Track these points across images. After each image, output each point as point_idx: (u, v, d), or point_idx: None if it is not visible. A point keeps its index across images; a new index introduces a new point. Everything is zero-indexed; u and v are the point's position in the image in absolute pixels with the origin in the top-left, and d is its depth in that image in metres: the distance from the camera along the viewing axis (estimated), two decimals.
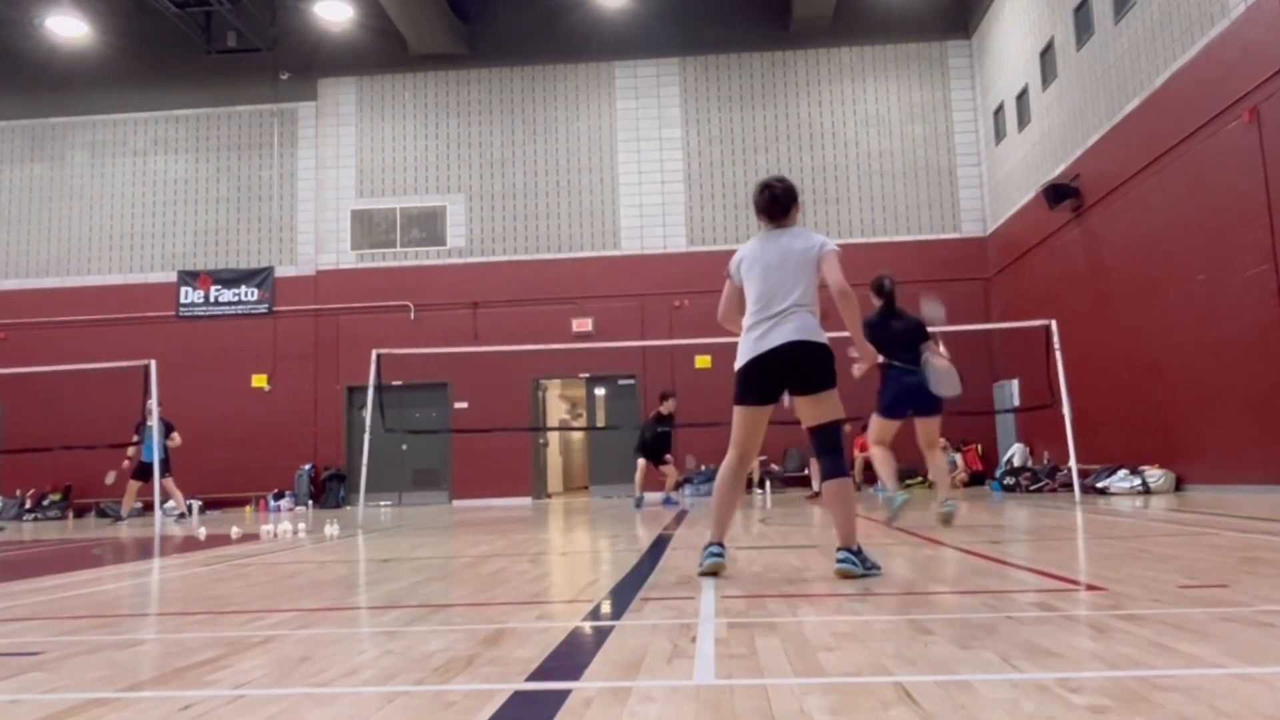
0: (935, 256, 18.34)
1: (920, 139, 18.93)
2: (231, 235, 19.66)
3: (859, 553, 4.11)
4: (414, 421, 17.88)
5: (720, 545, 4.37)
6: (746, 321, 4.34)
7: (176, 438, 13.98)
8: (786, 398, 4.30)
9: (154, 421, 12.67)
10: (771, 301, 4.24)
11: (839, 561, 4.06)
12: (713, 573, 4.30)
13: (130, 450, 13.96)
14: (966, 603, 3.43)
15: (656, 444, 13.90)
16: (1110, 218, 13.29)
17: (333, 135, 19.73)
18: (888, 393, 7.14)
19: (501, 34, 19.61)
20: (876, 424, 7.26)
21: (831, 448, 4.27)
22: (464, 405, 18.35)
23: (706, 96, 19.31)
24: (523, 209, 19.25)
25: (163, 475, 13.21)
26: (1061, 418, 10.93)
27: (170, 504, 13.79)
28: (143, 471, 13.54)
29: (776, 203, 4.38)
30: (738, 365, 4.32)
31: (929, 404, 7.05)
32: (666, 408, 14.01)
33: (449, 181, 19.44)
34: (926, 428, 7.19)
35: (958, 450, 17.08)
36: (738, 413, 4.35)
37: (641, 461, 13.85)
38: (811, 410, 4.25)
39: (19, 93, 20.01)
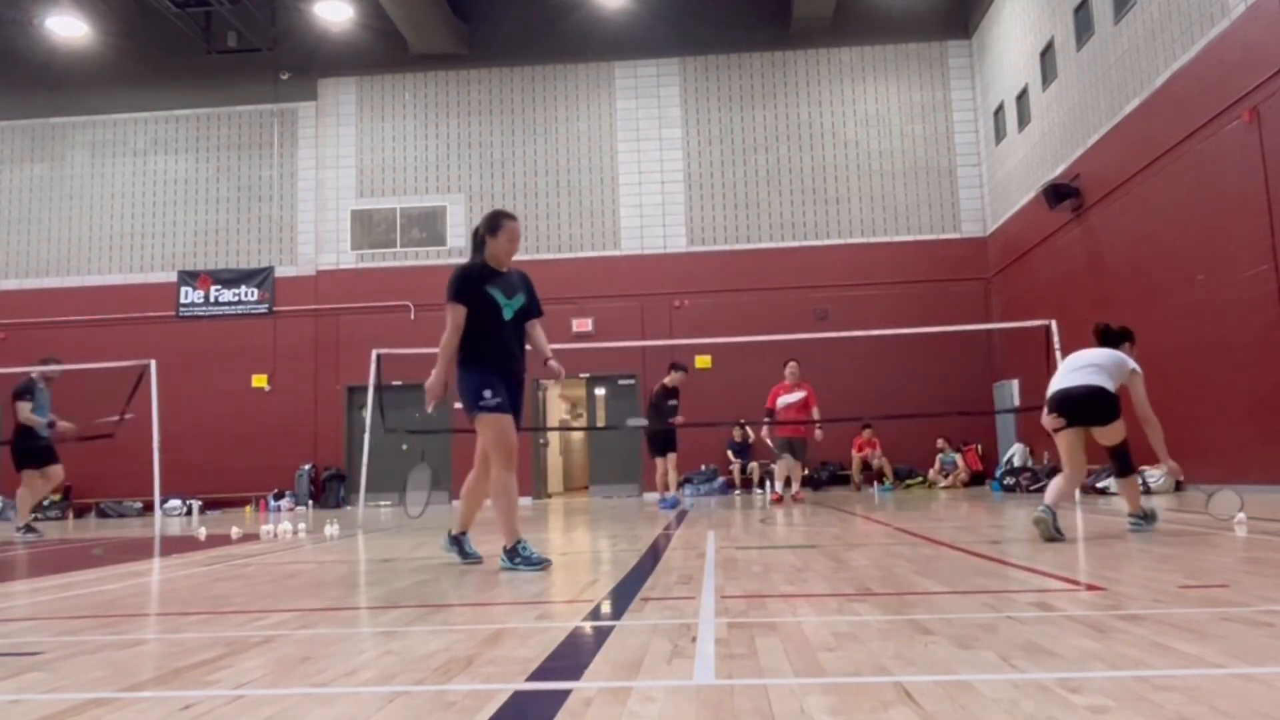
0: (935, 256, 18.35)
1: (920, 139, 18.92)
2: (231, 235, 19.66)
3: None
4: (414, 421, 17.82)
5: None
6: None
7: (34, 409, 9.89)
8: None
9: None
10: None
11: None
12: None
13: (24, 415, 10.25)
14: (966, 603, 3.43)
15: (668, 432, 12.37)
16: (1110, 218, 13.29)
17: (333, 135, 19.72)
18: None
19: (501, 34, 19.60)
20: None
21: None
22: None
23: (706, 96, 19.30)
24: (523, 209, 19.22)
25: (28, 464, 9.72)
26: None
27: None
28: (31, 456, 10.13)
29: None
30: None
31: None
32: (673, 379, 12.49)
33: (449, 181, 19.43)
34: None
35: (957, 450, 17.08)
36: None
37: (659, 458, 12.52)
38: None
39: (19, 93, 20.01)
